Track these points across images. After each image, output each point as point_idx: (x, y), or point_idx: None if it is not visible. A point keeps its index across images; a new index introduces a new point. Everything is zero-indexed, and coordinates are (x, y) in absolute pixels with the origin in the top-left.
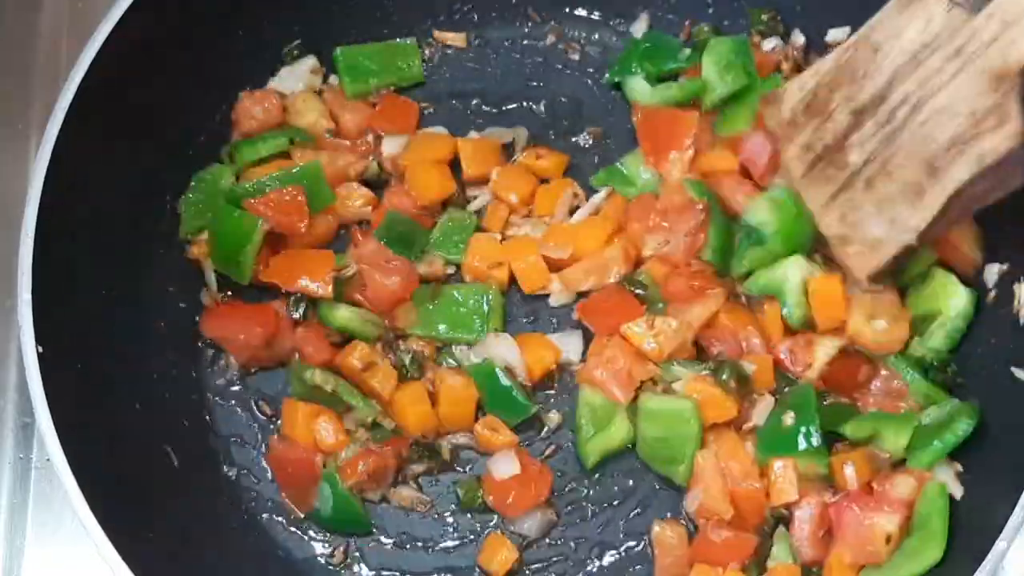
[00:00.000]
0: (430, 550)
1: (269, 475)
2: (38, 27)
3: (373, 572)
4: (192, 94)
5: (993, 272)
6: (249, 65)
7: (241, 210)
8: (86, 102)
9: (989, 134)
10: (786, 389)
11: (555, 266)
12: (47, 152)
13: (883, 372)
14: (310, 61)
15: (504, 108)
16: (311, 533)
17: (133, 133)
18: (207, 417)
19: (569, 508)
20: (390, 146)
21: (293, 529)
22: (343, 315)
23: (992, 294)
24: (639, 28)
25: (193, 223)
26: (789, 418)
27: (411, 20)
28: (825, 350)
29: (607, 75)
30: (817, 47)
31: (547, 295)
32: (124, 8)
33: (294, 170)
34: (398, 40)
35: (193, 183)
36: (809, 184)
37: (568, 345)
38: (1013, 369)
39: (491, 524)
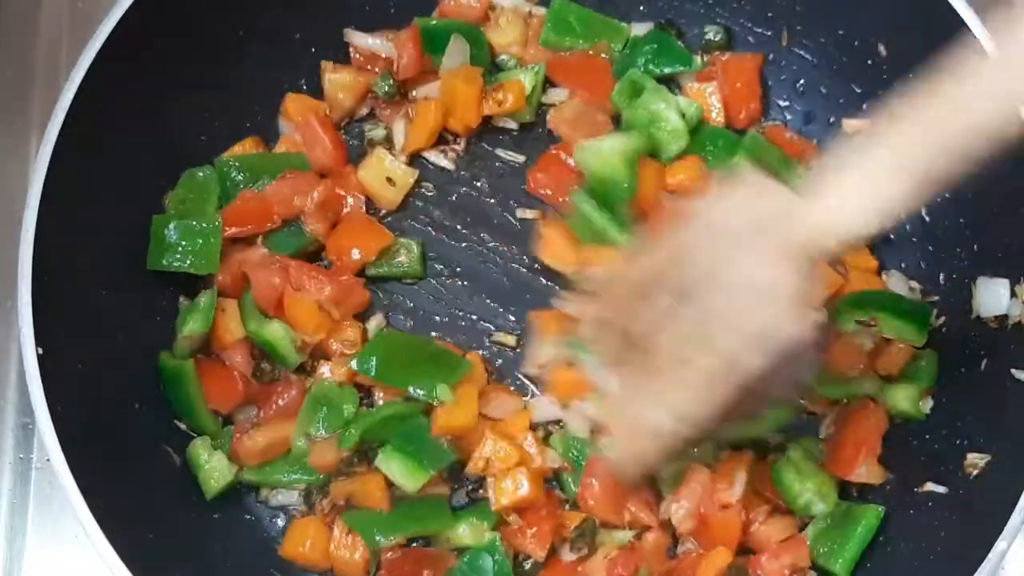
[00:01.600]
0: None
1: None
2: (38, 27)
3: None
4: (193, 94)
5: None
6: (252, 66)
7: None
8: (86, 102)
9: (783, 320)
10: None
11: None
12: (47, 152)
13: None
14: None
15: None
16: None
17: (134, 133)
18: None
19: None
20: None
21: None
22: (274, 329)
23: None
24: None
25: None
26: None
27: None
28: None
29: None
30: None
31: None
32: (124, 8)
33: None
34: (616, 19)
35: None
36: (601, 361)
37: None
38: (1013, 371)
39: None
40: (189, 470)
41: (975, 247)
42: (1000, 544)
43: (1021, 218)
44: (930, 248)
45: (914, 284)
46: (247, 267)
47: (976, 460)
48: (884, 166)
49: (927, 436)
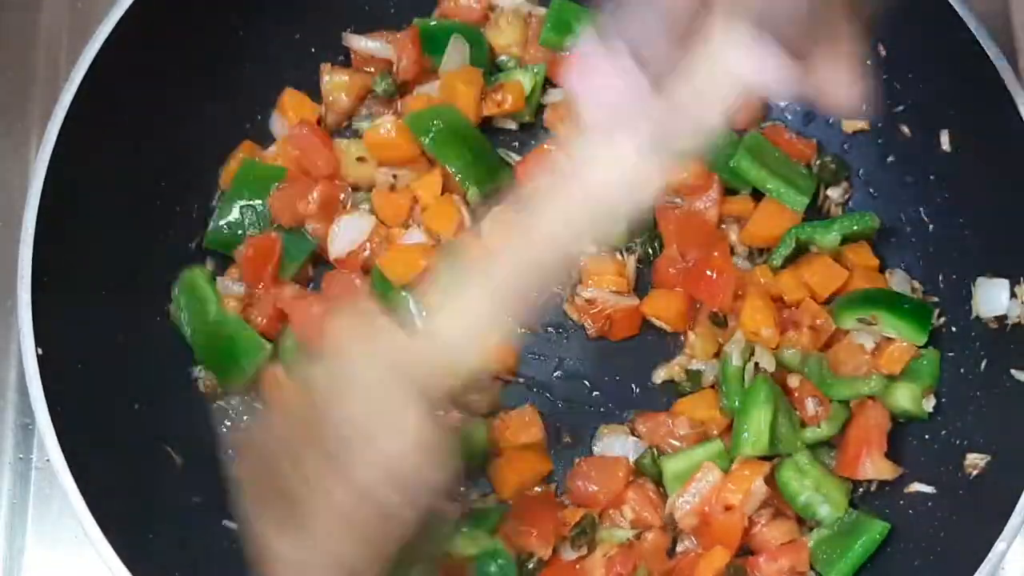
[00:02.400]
0: None
1: None
2: (38, 27)
3: None
4: (193, 94)
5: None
6: (252, 66)
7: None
8: (86, 102)
9: (429, 467)
10: None
11: None
12: (47, 152)
13: None
14: None
15: None
16: None
17: (134, 133)
18: (207, 417)
19: None
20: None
21: None
22: None
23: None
24: None
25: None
26: None
27: None
28: None
29: None
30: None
31: None
32: (124, 8)
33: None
34: None
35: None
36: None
37: None
38: (1013, 371)
39: None
40: (189, 470)
41: (975, 247)
42: (1000, 544)
43: (1021, 218)
44: (930, 248)
45: (916, 284)
46: (282, 304)
47: (976, 460)
48: (478, 301)
49: (927, 436)
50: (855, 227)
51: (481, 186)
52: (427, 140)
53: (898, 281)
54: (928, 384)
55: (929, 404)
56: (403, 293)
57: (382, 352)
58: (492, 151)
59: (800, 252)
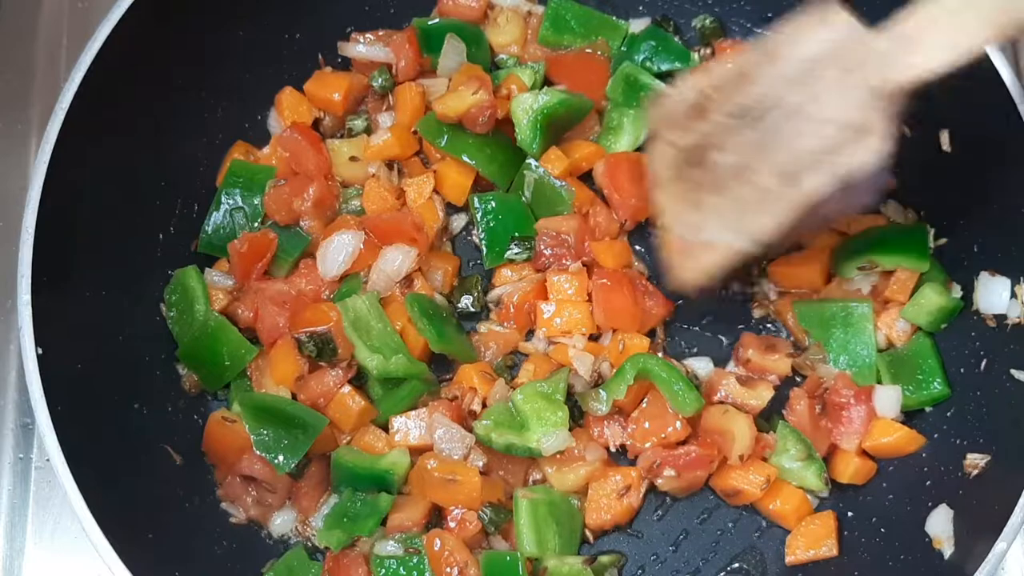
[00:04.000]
0: None
1: None
2: (38, 27)
3: None
4: (192, 94)
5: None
6: (251, 67)
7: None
8: (86, 102)
9: (851, 147)
10: None
11: None
12: (47, 152)
13: None
14: None
15: None
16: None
17: (133, 133)
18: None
19: None
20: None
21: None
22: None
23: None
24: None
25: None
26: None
27: None
28: None
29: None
30: None
31: None
32: (124, 8)
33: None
34: (614, 17)
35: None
36: (668, 182)
37: None
38: (1013, 371)
39: None
40: (189, 470)
41: (975, 247)
42: (1000, 544)
43: (1021, 218)
44: (931, 248)
45: (910, 213)
46: (261, 299)
47: (976, 460)
48: (961, 4)
49: (926, 436)
50: None
51: (503, 178)
52: (442, 143)
53: (893, 211)
54: (943, 278)
55: (957, 292)
56: None
57: (837, 40)
58: (508, 143)
59: None
